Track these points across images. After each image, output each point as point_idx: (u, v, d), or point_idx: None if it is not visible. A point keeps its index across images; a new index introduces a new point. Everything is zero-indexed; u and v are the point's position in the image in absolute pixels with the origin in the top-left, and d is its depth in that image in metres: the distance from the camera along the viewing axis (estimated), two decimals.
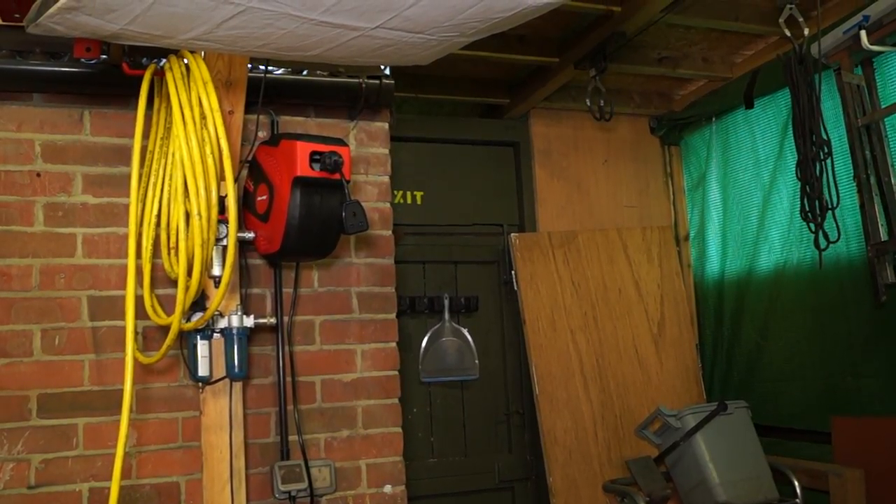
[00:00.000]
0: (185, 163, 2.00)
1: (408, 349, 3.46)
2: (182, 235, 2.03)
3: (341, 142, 2.18)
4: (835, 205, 2.98)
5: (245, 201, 2.37)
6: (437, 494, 3.60)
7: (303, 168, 2.09)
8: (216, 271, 2.17)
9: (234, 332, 2.25)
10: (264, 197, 2.26)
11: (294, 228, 2.16)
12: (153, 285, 2.19)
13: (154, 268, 2.17)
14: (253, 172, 2.35)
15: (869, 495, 3.11)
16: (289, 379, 2.43)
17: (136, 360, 1.99)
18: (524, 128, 4.15)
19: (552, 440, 3.63)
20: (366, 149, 2.65)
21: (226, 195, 2.05)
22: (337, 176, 2.13)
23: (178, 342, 2.25)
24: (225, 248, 2.15)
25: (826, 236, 3.01)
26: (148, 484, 2.27)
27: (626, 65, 3.67)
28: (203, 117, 2.02)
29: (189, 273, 2.03)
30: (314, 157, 2.10)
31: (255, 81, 2.32)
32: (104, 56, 2.24)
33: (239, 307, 2.30)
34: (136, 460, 2.26)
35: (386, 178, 2.67)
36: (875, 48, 3.06)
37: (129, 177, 2.09)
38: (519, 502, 3.83)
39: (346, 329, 2.56)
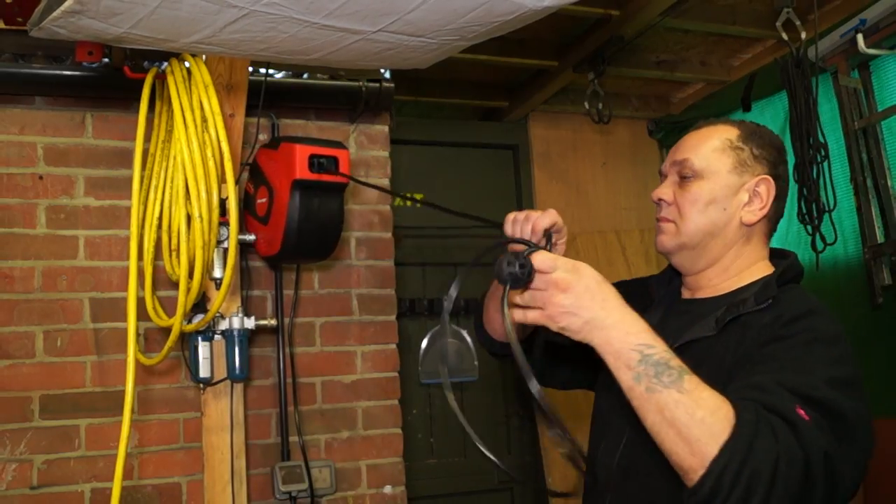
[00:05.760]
0: (187, 165, 2.01)
1: (407, 351, 3.47)
2: (183, 238, 2.04)
3: (340, 145, 2.19)
4: (832, 207, 3.00)
5: (246, 204, 2.39)
6: (437, 495, 3.61)
7: (302, 171, 2.10)
8: (217, 273, 2.18)
9: (235, 333, 2.26)
10: (264, 199, 2.28)
11: (293, 231, 2.17)
12: (155, 287, 2.20)
13: (155, 270, 2.18)
14: (253, 175, 2.36)
15: (867, 497, 3.12)
16: (289, 380, 2.44)
17: (137, 361, 1.99)
18: (523, 131, 4.16)
19: (551, 441, 3.63)
20: (366, 151, 2.66)
21: (227, 198, 2.06)
22: (336, 179, 2.14)
23: (180, 344, 2.25)
24: (226, 250, 2.16)
25: (823, 239, 3.02)
26: (149, 485, 2.28)
27: (625, 68, 3.68)
28: (204, 120, 2.04)
29: (190, 275, 2.04)
30: (313, 160, 2.12)
31: (256, 85, 2.34)
32: (106, 59, 2.25)
33: (240, 309, 2.32)
34: (137, 461, 2.27)
35: (386, 181, 2.69)
36: (872, 51, 3.08)
37: (130, 179, 2.09)
38: (518, 503, 3.83)
39: (346, 331, 2.57)
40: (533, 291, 1.13)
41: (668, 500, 1.19)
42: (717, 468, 1.00)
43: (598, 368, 1.28)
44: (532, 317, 1.13)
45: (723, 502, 1.01)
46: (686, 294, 1.46)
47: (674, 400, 1.04)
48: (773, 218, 1.40)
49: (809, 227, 3.03)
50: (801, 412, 1.06)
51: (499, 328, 1.65)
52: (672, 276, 1.52)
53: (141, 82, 2.13)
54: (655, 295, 1.52)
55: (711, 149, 1.37)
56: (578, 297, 1.10)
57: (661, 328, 1.17)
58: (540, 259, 1.13)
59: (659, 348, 1.09)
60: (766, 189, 1.35)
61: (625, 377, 1.08)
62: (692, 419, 1.02)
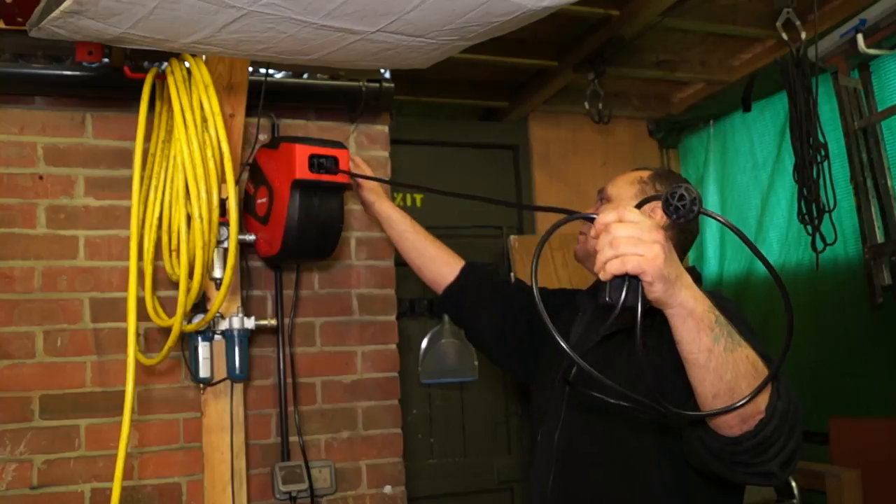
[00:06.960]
0: (187, 165, 2.01)
1: (407, 351, 3.47)
2: (183, 238, 2.04)
3: (340, 144, 2.19)
4: (832, 207, 3.00)
5: (246, 204, 2.39)
6: (437, 495, 3.61)
7: (301, 171, 2.10)
8: (217, 273, 2.18)
9: (235, 333, 2.26)
10: (264, 199, 2.28)
11: (293, 231, 2.17)
12: (155, 287, 2.20)
13: (155, 270, 2.18)
14: (253, 175, 2.37)
15: (866, 496, 3.12)
16: (289, 380, 2.45)
17: (137, 361, 1.99)
18: (523, 131, 4.16)
19: None
20: (366, 151, 2.66)
21: (227, 198, 2.06)
22: (336, 179, 2.14)
23: (180, 344, 2.26)
24: (226, 250, 2.16)
25: (823, 239, 3.02)
26: (150, 485, 2.28)
27: (625, 68, 3.68)
28: (204, 120, 2.03)
29: (190, 275, 2.04)
30: (313, 160, 2.12)
31: (256, 85, 2.34)
32: (106, 60, 2.25)
33: (240, 309, 2.32)
34: (137, 461, 2.28)
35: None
36: (872, 52, 3.08)
37: (130, 179, 2.09)
38: (518, 503, 3.84)
39: (346, 331, 2.57)
40: (629, 234, 1.10)
41: (604, 471, 1.47)
42: (777, 410, 1.15)
43: (537, 368, 1.59)
44: (633, 262, 1.09)
45: (777, 438, 1.16)
46: None
47: (745, 355, 1.15)
48: (674, 244, 1.61)
49: (809, 227, 3.03)
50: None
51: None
52: (598, 290, 1.75)
53: (141, 82, 2.13)
54: (581, 306, 1.78)
55: (624, 182, 1.74)
56: (671, 254, 1.12)
57: (587, 330, 1.24)
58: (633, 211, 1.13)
59: (718, 310, 1.16)
60: (659, 217, 1.57)
61: (706, 338, 1.14)
62: (757, 371, 1.15)
